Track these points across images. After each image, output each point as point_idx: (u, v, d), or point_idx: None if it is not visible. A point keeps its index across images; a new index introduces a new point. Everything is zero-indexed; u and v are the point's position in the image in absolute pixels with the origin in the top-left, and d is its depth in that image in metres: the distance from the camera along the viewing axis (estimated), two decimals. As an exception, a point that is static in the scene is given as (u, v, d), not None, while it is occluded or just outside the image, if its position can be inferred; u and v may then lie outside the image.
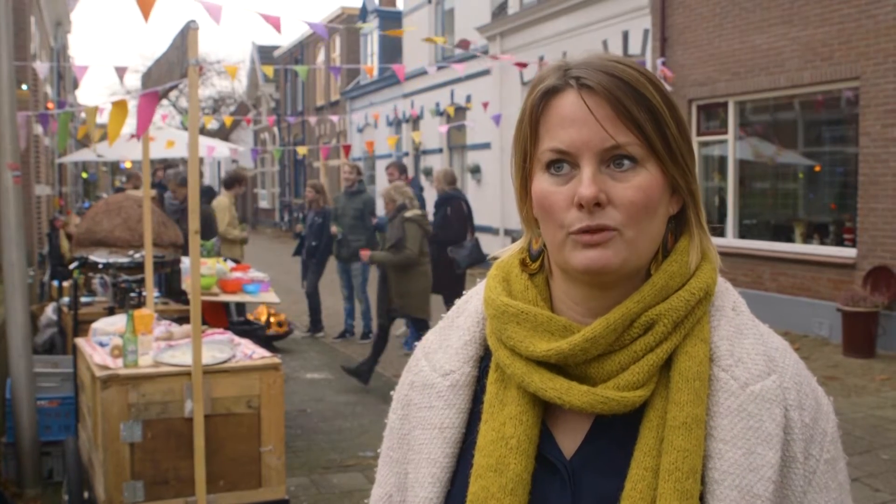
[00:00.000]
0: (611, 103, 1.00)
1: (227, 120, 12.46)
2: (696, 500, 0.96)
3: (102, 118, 5.28)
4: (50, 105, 13.40)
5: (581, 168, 1.00)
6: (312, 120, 19.13)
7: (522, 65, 10.75)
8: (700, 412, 0.99)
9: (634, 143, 1.00)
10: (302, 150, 13.80)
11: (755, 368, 1.02)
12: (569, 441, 1.05)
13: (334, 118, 13.35)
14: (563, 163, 1.02)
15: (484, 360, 1.13)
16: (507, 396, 1.06)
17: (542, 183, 1.04)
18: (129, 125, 7.19)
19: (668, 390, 1.02)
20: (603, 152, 1.00)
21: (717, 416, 1.00)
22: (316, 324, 10.94)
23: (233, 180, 10.50)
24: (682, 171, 1.04)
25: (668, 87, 1.07)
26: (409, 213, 7.83)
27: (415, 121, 22.15)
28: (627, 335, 1.02)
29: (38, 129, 11.67)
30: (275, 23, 4.68)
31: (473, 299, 1.18)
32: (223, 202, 10.26)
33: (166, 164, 14.33)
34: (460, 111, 18.08)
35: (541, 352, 1.03)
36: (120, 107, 4.23)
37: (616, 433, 1.03)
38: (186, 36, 3.71)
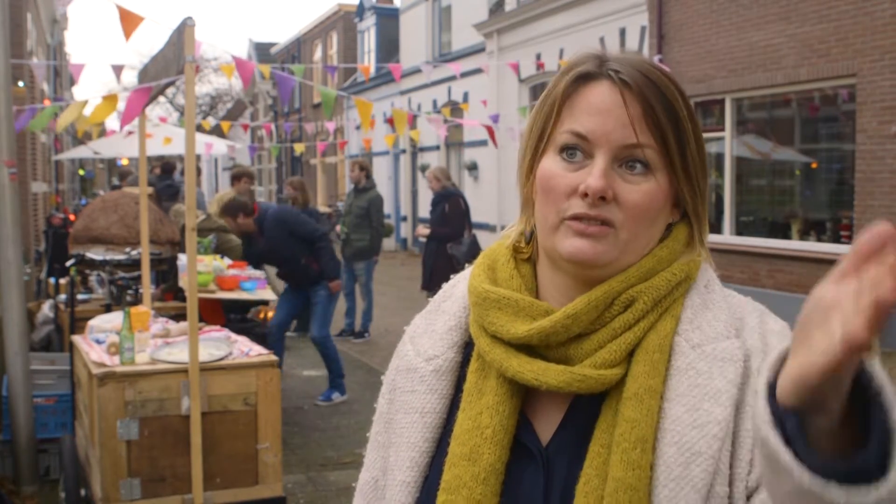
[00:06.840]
0: (642, 103, 1.00)
1: (225, 126, 12.44)
2: (644, 469, 0.94)
3: (88, 111, 5.25)
4: (46, 102, 13.37)
5: (594, 159, 1.00)
6: (309, 128, 18.98)
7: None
8: (655, 383, 0.98)
9: (652, 148, 1.00)
10: (299, 148, 13.74)
11: (712, 332, 1.01)
12: (546, 427, 1.05)
13: (330, 125, 13.32)
14: (577, 150, 1.02)
15: (468, 347, 1.13)
16: (485, 386, 1.06)
17: (551, 163, 1.04)
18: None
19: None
20: (620, 149, 1.00)
21: (668, 378, 0.99)
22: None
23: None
24: (692, 189, 1.05)
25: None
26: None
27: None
28: (608, 313, 1.02)
29: (35, 126, 11.61)
30: (246, 72, 4.61)
31: (460, 284, 1.18)
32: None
33: (163, 160, 14.32)
34: (457, 111, 18.04)
35: (523, 332, 1.02)
36: (109, 100, 4.21)
37: (588, 415, 1.03)
38: (183, 33, 3.70)
